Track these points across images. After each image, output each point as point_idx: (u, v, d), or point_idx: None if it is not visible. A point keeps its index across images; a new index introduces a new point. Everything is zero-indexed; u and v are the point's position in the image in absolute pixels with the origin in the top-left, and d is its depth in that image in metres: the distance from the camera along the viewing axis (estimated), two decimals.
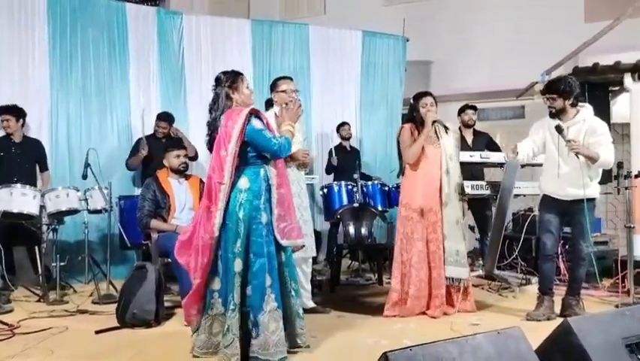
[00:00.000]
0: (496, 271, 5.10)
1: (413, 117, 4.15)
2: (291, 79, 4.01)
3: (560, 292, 4.05)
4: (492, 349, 1.81)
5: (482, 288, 4.98)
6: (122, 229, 4.76)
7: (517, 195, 5.17)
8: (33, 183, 4.89)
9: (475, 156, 4.92)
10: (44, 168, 5.23)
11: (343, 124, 6.64)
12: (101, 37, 5.88)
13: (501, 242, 5.04)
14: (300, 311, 3.16)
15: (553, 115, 3.77)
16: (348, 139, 6.58)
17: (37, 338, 3.45)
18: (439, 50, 8.19)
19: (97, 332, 3.52)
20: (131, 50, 6.04)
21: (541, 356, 2.11)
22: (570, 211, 3.79)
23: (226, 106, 3.09)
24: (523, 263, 5.48)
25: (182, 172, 4.40)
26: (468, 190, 4.92)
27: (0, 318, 3.77)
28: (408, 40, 7.60)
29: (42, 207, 4.54)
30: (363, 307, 4.28)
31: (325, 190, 5.79)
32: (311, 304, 4.06)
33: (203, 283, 2.99)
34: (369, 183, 5.85)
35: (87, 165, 4.67)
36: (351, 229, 5.22)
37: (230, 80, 3.11)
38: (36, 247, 4.75)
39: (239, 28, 6.67)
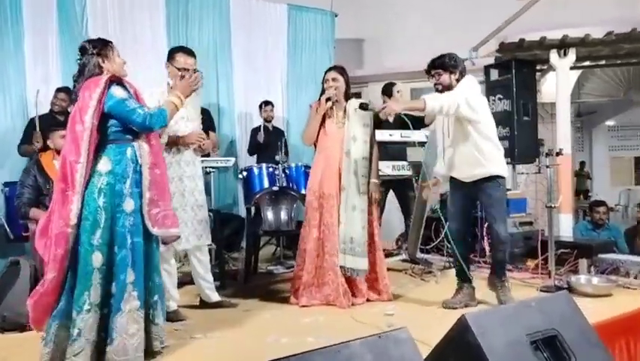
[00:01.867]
0: (420, 255, 4.89)
1: (322, 94, 3.83)
2: (193, 54, 3.56)
3: (484, 275, 3.86)
4: (370, 357, 1.51)
5: (405, 272, 4.78)
6: (4, 221, 4.23)
7: None
8: None
9: (395, 135, 4.64)
10: None
11: (266, 103, 6.26)
12: None
13: (424, 224, 4.83)
14: (156, 313, 2.78)
15: (440, 92, 3.54)
16: (269, 121, 6.21)
17: None
18: (370, 26, 7.91)
19: None
20: (26, 20, 5.41)
21: (435, 357, 1.84)
22: (475, 193, 3.58)
23: (95, 75, 2.69)
24: (449, 246, 5.31)
25: None
26: (388, 171, 4.69)
27: None
28: (336, 16, 7.27)
29: None
30: (279, 298, 3.96)
31: (245, 173, 5.38)
32: (215, 297, 3.70)
33: (59, 279, 2.57)
34: (293, 165, 5.51)
35: None
36: (270, 215, 4.87)
37: (98, 47, 2.75)
38: None
39: (149, 3, 6.12)
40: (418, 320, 3.20)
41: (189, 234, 3.44)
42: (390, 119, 3.99)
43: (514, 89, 5.74)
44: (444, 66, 3.50)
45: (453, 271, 4.57)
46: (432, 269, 4.63)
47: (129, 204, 2.64)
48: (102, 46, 2.76)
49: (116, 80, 2.70)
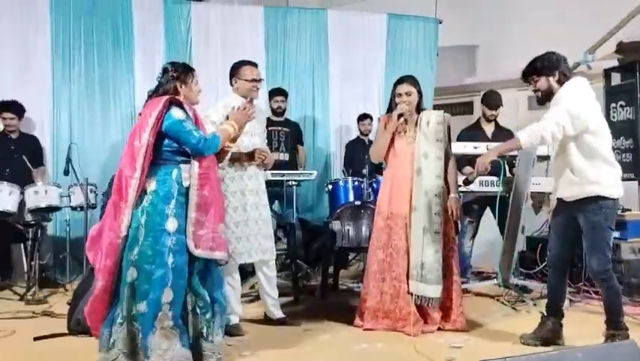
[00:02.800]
0: (517, 280, 4.42)
1: (391, 107, 3.61)
2: (256, 65, 3.59)
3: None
4: None
5: (497, 299, 4.35)
6: None
7: (540, 193, 4.46)
8: (28, 179, 4.81)
9: (480, 148, 4.24)
10: (39, 164, 5.14)
11: (364, 117, 6.11)
12: (104, 28, 5.73)
13: (519, 246, 4.36)
14: (210, 331, 2.76)
15: (541, 101, 3.11)
16: (366, 135, 6.05)
17: None
18: (482, 31, 7.43)
19: (35, 339, 3.29)
20: (137, 41, 5.86)
21: None
22: (576, 214, 3.08)
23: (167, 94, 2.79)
24: None
25: None
26: (474, 187, 4.30)
27: None
28: (441, 22, 6.94)
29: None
30: (347, 319, 3.77)
31: (330, 187, 5.33)
32: (279, 314, 3.63)
33: (108, 288, 2.66)
34: (381, 178, 5.31)
35: (68, 160, 4.53)
36: (350, 230, 4.71)
37: (178, 71, 2.85)
38: (22, 245, 4.66)
39: (250, 16, 6.31)
40: (484, 356, 2.84)
41: (251, 248, 3.42)
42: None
43: (639, 95, 5.05)
44: (537, 70, 3.09)
45: None
46: (525, 298, 4.15)
47: (172, 224, 2.66)
48: (183, 70, 2.86)
49: (177, 102, 2.76)
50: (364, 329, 3.45)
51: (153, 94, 2.83)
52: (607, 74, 5.53)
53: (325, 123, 6.55)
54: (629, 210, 4.76)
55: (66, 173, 4.54)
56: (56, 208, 4.56)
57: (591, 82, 6.09)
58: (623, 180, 5.00)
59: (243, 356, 3.00)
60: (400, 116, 3.48)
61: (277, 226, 4.86)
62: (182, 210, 2.70)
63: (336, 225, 4.72)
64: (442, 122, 3.51)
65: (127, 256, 2.64)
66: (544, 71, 3.04)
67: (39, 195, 4.42)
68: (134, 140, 2.70)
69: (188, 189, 2.73)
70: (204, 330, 2.75)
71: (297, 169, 5.41)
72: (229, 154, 3.13)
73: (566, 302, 3.52)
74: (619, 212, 4.74)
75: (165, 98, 2.74)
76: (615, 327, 2.99)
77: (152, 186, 2.70)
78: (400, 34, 6.79)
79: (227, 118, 3.10)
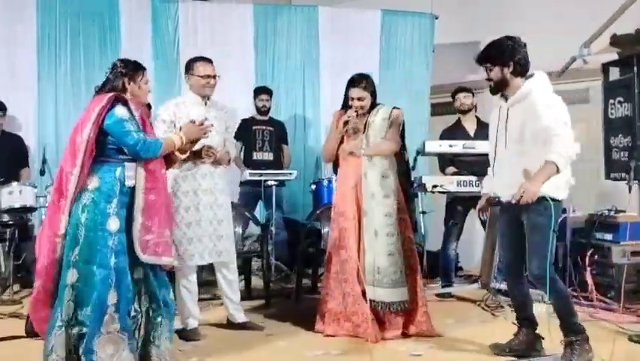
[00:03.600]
0: (494, 284, 4.23)
1: (346, 104, 3.49)
2: (211, 61, 3.50)
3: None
4: None
5: (478, 304, 4.18)
6: None
7: None
8: (13, 180, 4.78)
9: (457, 146, 4.08)
10: (24, 164, 5.13)
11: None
12: (91, 28, 5.70)
13: (497, 247, 4.17)
14: (158, 335, 2.70)
15: (494, 91, 2.93)
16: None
17: None
18: (478, 28, 7.20)
19: None
20: (124, 41, 5.81)
21: None
22: (519, 215, 2.88)
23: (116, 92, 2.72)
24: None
25: None
26: (452, 187, 4.16)
27: None
28: (437, 18, 6.75)
29: None
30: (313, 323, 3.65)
31: (314, 187, 5.22)
32: (241, 318, 3.53)
33: (47, 288, 2.59)
34: None
35: (44, 160, 4.49)
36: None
37: (127, 68, 2.79)
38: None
39: (240, 14, 6.22)
40: None
41: (204, 250, 3.32)
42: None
43: (637, 90, 4.80)
44: (490, 58, 2.86)
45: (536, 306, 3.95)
46: (503, 303, 3.97)
47: (114, 224, 2.60)
48: (133, 68, 2.81)
49: (122, 100, 2.69)
50: (325, 335, 3.34)
51: (100, 90, 2.77)
52: (605, 68, 5.28)
53: (316, 122, 6.41)
54: (623, 211, 4.54)
55: (42, 173, 4.51)
56: (32, 209, 4.52)
57: (591, 78, 5.97)
58: (615, 179, 4.85)
59: None
60: (345, 123, 3.39)
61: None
62: (124, 210, 2.64)
63: (315, 226, 4.62)
64: (387, 118, 3.38)
65: (67, 256, 2.56)
66: (498, 60, 2.83)
67: (13, 195, 4.39)
68: (76, 136, 2.63)
69: (132, 189, 2.66)
70: (152, 334, 2.70)
71: (281, 169, 5.30)
72: (178, 163, 3.07)
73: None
74: (612, 214, 4.55)
75: (110, 94, 2.67)
76: (570, 331, 2.81)
77: (93, 183, 2.62)
78: (394, 30, 6.63)
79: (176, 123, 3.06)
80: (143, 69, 2.85)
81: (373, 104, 3.47)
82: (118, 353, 2.55)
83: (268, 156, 5.41)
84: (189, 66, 3.46)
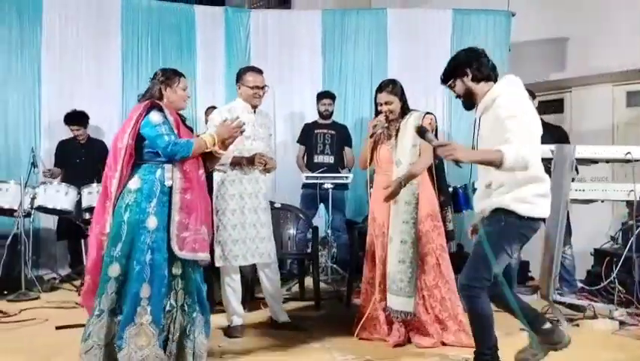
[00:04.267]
0: (558, 297, 3.97)
1: (377, 112, 3.47)
2: (260, 72, 3.60)
3: None
4: None
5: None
6: None
7: (589, 201, 3.98)
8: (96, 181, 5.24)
9: None
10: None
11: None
12: (169, 39, 6.10)
13: (557, 258, 3.91)
14: (193, 329, 2.82)
15: (466, 106, 2.72)
16: None
17: (7, 327, 3.67)
18: (567, 24, 6.79)
19: (57, 328, 3.59)
20: (199, 51, 6.17)
21: None
22: None
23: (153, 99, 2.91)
24: (621, 288, 4.22)
25: None
26: None
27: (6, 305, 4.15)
28: (513, 15, 6.46)
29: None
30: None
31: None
32: (283, 317, 3.63)
33: (95, 281, 2.79)
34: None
35: (34, 164, 4.88)
36: None
37: (166, 76, 2.94)
38: (82, 241, 5.09)
39: (308, 20, 6.36)
40: None
41: (247, 251, 3.45)
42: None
43: None
44: (449, 75, 2.71)
45: (595, 323, 3.70)
46: (560, 316, 3.72)
47: (152, 222, 2.75)
48: (170, 75, 2.95)
49: (157, 106, 2.85)
50: (360, 338, 3.33)
51: (142, 98, 2.96)
52: None
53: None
54: None
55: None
56: None
57: None
58: None
59: (223, 358, 3.03)
60: (374, 127, 3.38)
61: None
62: (163, 208, 2.77)
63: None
64: (419, 124, 3.28)
65: (109, 251, 2.75)
66: (456, 73, 2.68)
67: (93, 195, 4.79)
68: (118, 142, 2.83)
69: (170, 189, 2.81)
70: (188, 328, 2.83)
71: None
72: (224, 159, 3.15)
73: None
74: None
75: (147, 102, 2.86)
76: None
77: (136, 184, 2.79)
78: (467, 29, 6.43)
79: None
80: (180, 76, 2.97)
81: (405, 110, 3.40)
82: (148, 346, 2.68)
83: (329, 159, 5.47)
84: (240, 76, 3.59)
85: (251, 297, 4.21)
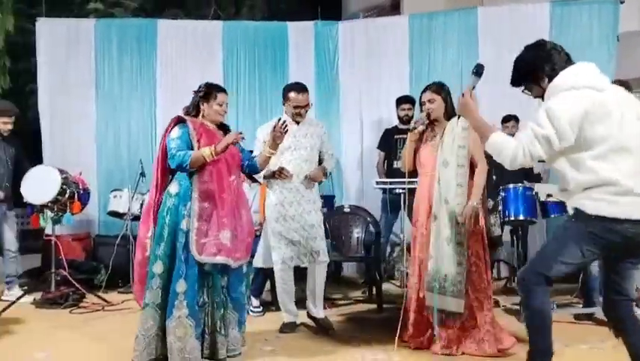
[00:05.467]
0: None
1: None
2: (305, 90, 3.76)
3: None
4: None
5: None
6: None
7: None
8: None
9: None
10: None
11: (507, 119, 5.63)
12: (265, 57, 6.55)
13: None
14: (225, 325, 3.06)
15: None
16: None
17: (107, 314, 4.27)
18: None
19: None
20: (291, 64, 6.54)
21: None
22: None
23: (189, 113, 3.16)
24: None
25: None
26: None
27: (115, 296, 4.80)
28: (622, 3, 5.90)
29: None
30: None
31: None
32: (318, 313, 3.77)
33: (141, 280, 3.10)
34: (510, 186, 4.87)
35: (142, 173, 5.36)
36: None
37: (204, 90, 3.17)
38: None
39: (394, 27, 6.42)
40: None
41: (295, 254, 3.66)
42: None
43: None
44: (522, 80, 2.59)
45: None
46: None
47: (186, 224, 2.99)
48: (208, 90, 3.18)
49: (182, 121, 3.10)
50: (403, 341, 3.33)
51: (185, 109, 3.19)
52: None
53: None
54: None
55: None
56: None
57: None
58: None
59: (262, 350, 3.26)
60: (414, 126, 3.36)
61: None
62: (192, 213, 2.98)
63: None
64: (467, 127, 3.18)
65: (154, 251, 3.02)
66: (529, 78, 2.56)
67: None
68: (160, 150, 3.17)
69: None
70: (220, 323, 3.06)
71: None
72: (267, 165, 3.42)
73: None
74: None
75: (175, 117, 3.12)
76: None
77: (174, 188, 3.07)
78: (566, 21, 6.04)
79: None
80: (217, 91, 3.15)
81: (450, 113, 3.36)
82: (185, 337, 2.92)
83: None
84: (284, 94, 3.80)
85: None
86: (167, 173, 3.18)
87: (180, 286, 2.96)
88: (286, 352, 3.29)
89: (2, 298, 4.75)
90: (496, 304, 4.42)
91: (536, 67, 2.48)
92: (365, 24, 6.57)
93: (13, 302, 4.43)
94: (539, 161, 2.47)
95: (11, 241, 4.82)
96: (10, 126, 4.97)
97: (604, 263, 2.56)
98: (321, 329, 3.71)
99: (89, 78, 6.49)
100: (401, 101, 5.61)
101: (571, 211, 2.42)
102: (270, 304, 4.33)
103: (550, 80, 2.43)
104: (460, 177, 3.23)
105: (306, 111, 3.77)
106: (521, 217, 4.46)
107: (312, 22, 6.66)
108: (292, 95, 3.72)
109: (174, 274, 2.99)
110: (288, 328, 3.71)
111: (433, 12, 6.58)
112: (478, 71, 2.72)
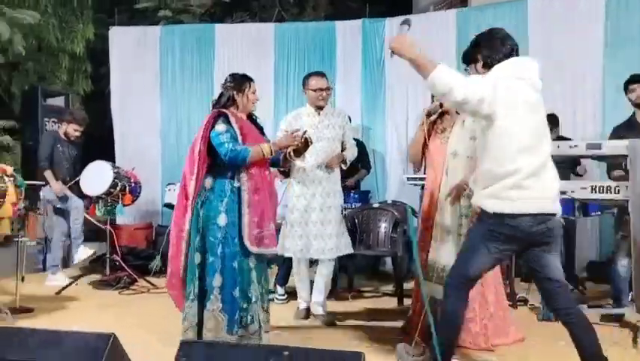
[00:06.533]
0: None
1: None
2: (324, 75, 3.90)
3: None
4: None
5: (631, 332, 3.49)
6: None
7: None
8: None
9: (562, 147, 3.44)
10: None
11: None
12: (314, 56, 6.76)
13: None
14: (253, 317, 3.09)
15: None
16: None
17: (150, 296, 4.70)
18: None
19: None
20: (339, 63, 6.71)
21: None
22: None
23: (226, 106, 3.16)
24: None
25: None
26: (584, 194, 3.56)
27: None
28: None
29: None
30: None
31: None
32: (317, 310, 3.89)
33: (176, 273, 3.10)
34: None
35: None
36: None
37: (235, 81, 3.19)
38: None
39: (443, 21, 6.38)
40: None
41: (310, 246, 3.78)
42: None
43: None
44: (464, 60, 2.73)
45: None
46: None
47: (223, 220, 3.02)
48: (240, 80, 3.18)
49: (223, 116, 3.16)
50: (405, 332, 3.41)
51: (215, 104, 3.20)
52: None
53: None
54: None
55: None
56: None
57: None
58: None
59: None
60: (429, 114, 3.34)
61: None
62: (233, 206, 3.04)
63: None
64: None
65: (193, 242, 3.04)
66: (468, 58, 2.69)
67: None
68: (195, 147, 3.09)
69: (239, 189, 3.06)
70: (244, 316, 3.07)
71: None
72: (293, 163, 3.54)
73: None
74: None
75: (215, 111, 3.16)
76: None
77: (210, 184, 3.08)
78: (623, 10, 5.70)
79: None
80: (250, 80, 3.18)
81: None
82: (216, 329, 2.97)
83: None
84: (304, 82, 3.92)
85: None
86: (207, 167, 3.18)
87: (216, 280, 3.01)
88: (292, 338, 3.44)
89: (46, 283, 5.16)
90: (524, 302, 4.36)
91: (475, 50, 2.61)
92: (414, 19, 6.53)
93: (71, 283, 4.97)
94: None
95: (73, 229, 5.24)
96: (78, 134, 5.45)
97: (523, 258, 2.62)
98: (323, 324, 3.80)
99: (155, 80, 7.08)
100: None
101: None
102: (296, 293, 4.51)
103: (485, 66, 2.54)
104: (468, 169, 3.19)
105: (328, 95, 3.84)
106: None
107: (359, 20, 6.78)
108: (313, 79, 3.83)
109: (208, 268, 3.02)
110: (301, 314, 3.90)
111: (478, 6, 6.48)
112: (407, 22, 2.72)
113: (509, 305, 4.17)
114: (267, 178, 3.21)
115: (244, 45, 6.98)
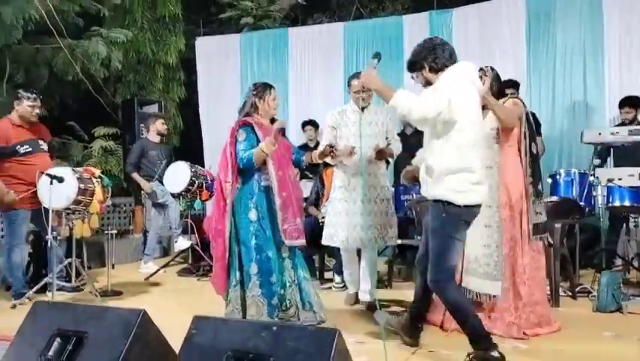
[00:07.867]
0: None
1: None
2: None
3: None
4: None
5: None
6: None
7: None
8: None
9: (622, 133, 3.28)
10: None
11: (623, 104, 5.16)
12: (382, 51, 6.73)
13: None
14: (307, 295, 3.46)
15: None
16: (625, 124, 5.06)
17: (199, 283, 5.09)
18: None
19: None
20: (406, 57, 6.68)
21: None
22: None
23: (249, 113, 3.49)
24: None
25: None
26: (633, 180, 3.42)
27: None
28: None
29: None
30: None
31: (549, 180, 4.94)
32: (364, 296, 4.04)
33: (222, 266, 3.44)
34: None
35: None
36: None
37: (258, 89, 3.51)
38: None
39: (510, 8, 6.23)
40: None
41: (349, 236, 3.92)
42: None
43: None
44: (410, 68, 2.94)
45: None
46: None
47: (253, 215, 3.40)
48: (262, 88, 3.50)
49: (245, 124, 3.43)
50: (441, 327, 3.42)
51: (241, 111, 3.52)
52: None
53: (601, 107, 5.78)
54: None
55: None
56: None
57: None
58: None
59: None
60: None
61: None
62: (261, 202, 3.41)
63: None
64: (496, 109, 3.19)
65: (233, 234, 3.42)
66: (415, 67, 2.91)
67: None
68: (227, 152, 3.45)
69: (266, 188, 3.42)
70: (302, 296, 3.47)
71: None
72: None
73: None
74: None
75: (239, 120, 3.46)
76: (478, 347, 2.71)
77: (242, 184, 3.47)
78: None
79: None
80: (270, 87, 3.45)
81: (499, 91, 3.42)
82: (257, 314, 3.26)
83: None
84: (348, 82, 4.11)
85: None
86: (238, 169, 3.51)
87: (253, 269, 3.36)
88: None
89: (139, 270, 5.80)
90: (588, 293, 4.21)
91: (421, 59, 2.84)
92: (478, 9, 6.47)
93: (157, 270, 5.56)
94: None
95: (173, 220, 5.81)
96: (166, 126, 6.18)
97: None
98: (367, 309, 3.96)
99: (236, 85, 7.60)
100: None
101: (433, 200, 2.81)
102: None
103: (432, 70, 2.81)
104: (488, 160, 3.23)
105: (369, 96, 3.97)
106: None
107: (427, 13, 6.79)
108: (353, 81, 4.01)
109: (244, 258, 3.37)
110: (351, 300, 4.12)
111: None
112: (377, 56, 3.02)
113: (569, 296, 4.14)
114: (289, 178, 3.51)
115: (315, 46, 7.28)
